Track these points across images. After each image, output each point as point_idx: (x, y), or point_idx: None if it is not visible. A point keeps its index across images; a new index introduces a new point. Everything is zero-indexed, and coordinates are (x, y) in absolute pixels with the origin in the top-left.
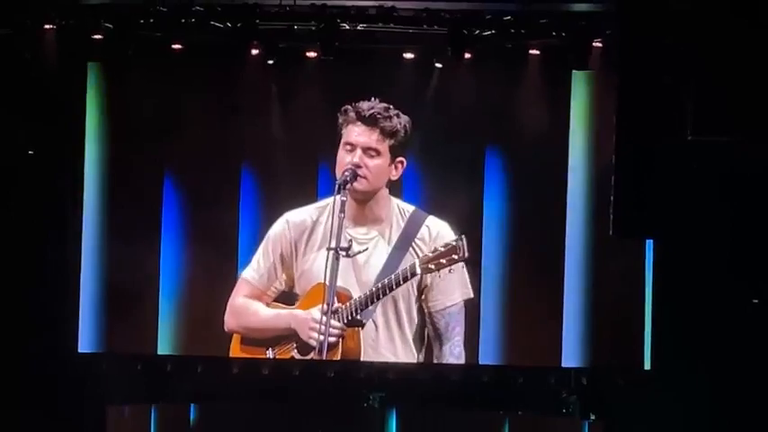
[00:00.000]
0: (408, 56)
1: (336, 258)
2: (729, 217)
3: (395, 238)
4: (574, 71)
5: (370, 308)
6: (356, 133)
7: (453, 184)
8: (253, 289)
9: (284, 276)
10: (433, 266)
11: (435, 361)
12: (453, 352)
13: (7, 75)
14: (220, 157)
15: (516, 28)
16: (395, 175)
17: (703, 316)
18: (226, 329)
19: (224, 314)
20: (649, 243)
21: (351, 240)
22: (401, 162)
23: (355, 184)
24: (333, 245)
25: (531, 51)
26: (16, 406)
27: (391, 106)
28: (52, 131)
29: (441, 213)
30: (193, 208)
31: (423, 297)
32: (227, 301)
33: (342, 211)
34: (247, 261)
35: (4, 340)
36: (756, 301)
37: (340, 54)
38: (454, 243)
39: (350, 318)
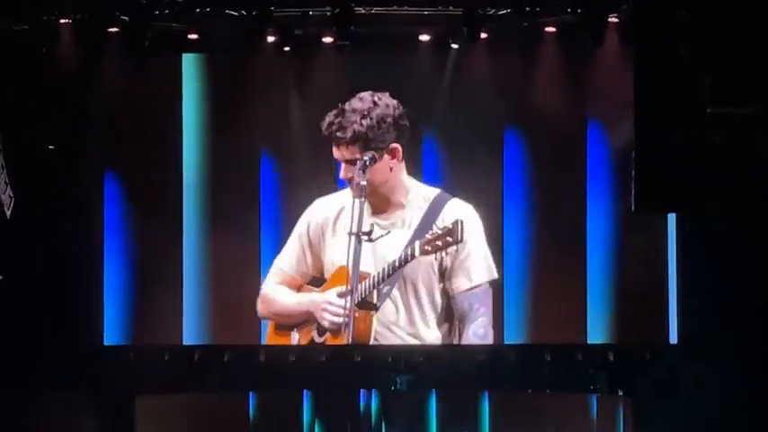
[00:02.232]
0: (424, 38)
1: (359, 243)
2: (751, 188)
3: (416, 223)
4: (591, 48)
5: (385, 290)
6: (334, 150)
7: (473, 164)
8: (283, 275)
9: (314, 262)
10: (429, 248)
11: (461, 342)
12: (477, 332)
13: (24, 70)
14: (239, 145)
15: (531, 6)
16: (394, 162)
17: (728, 288)
18: (258, 316)
19: (253, 301)
20: (672, 217)
21: (372, 225)
22: (395, 149)
23: (356, 191)
24: (354, 230)
25: (546, 29)
26: (43, 400)
27: (355, 105)
28: (72, 125)
29: (461, 194)
30: (214, 196)
31: (446, 279)
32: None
33: (362, 196)
34: (275, 248)
35: (29, 335)
36: None
37: (356, 38)
38: (451, 226)
39: (360, 299)
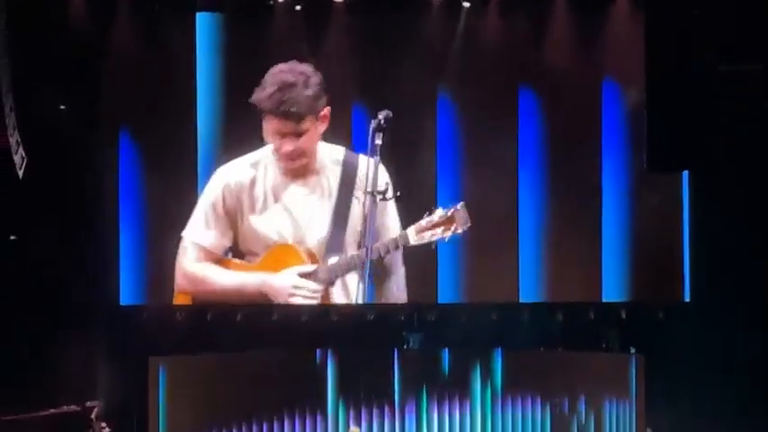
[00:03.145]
0: None
1: (374, 202)
2: (764, 145)
3: (335, 187)
4: (605, 6)
5: (332, 263)
6: (275, 126)
7: (487, 124)
8: (203, 251)
9: (232, 234)
10: (428, 234)
11: (382, 298)
12: (400, 286)
13: (36, 30)
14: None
15: None
16: (323, 127)
17: (742, 246)
18: (177, 291)
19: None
20: (685, 175)
21: (387, 183)
22: (326, 115)
23: (293, 163)
24: (370, 189)
25: None
26: (58, 362)
27: (290, 78)
28: (85, 85)
29: (476, 155)
30: (229, 155)
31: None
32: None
33: (377, 154)
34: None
35: (44, 297)
36: None
37: None
38: (452, 212)
39: (326, 279)
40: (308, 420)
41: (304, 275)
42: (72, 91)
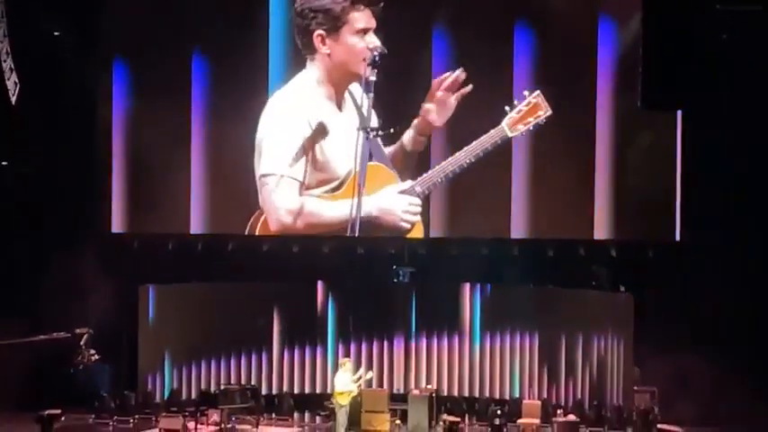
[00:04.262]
0: None
1: (367, 138)
2: (759, 86)
3: (355, 101)
4: None
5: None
6: (367, 17)
7: (483, 57)
8: (301, 185)
9: (308, 165)
10: (522, 126)
11: None
12: None
13: None
14: (248, 31)
15: None
16: None
17: (734, 187)
18: (278, 228)
19: (271, 210)
20: (679, 115)
21: (380, 122)
22: None
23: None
24: (365, 124)
25: None
26: (50, 289)
27: None
28: (77, 13)
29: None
30: (223, 84)
31: None
32: (271, 201)
33: (371, 90)
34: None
35: (37, 224)
36: None
37: None
38: (534, 101)
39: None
40: (296, 350)
41: (404, 193)
42: (67, 18)
